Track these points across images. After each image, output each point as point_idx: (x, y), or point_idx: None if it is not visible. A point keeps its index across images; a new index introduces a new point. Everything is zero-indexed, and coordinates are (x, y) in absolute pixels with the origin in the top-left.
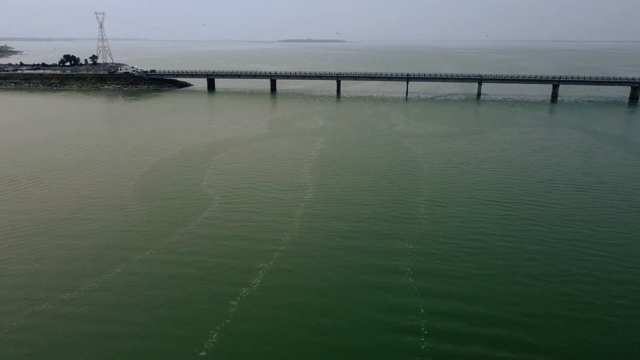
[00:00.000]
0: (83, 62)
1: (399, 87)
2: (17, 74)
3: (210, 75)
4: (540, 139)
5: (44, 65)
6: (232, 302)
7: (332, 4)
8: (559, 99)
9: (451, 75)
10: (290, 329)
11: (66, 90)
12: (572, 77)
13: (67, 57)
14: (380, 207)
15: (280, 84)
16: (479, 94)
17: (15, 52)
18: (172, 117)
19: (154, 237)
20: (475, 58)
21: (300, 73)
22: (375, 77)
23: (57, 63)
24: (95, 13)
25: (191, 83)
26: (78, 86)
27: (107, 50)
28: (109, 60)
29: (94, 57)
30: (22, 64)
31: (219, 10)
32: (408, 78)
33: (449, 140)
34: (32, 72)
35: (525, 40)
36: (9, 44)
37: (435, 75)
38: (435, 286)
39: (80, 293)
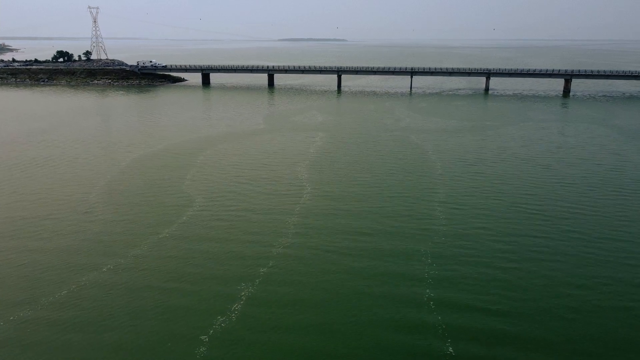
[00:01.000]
0: (77, 59)
1: (402, 82)
2: (3, 69)
3: (204, 69)
4: (561, 134)
5: (36, 61)
6: (211, 326)
7: (333, 3)
8: (571, 93)
9: (458, 70)
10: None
11: (54, 85)
12: (585, 71)
13: (61, 53)
14: (390, 213)
15: (279, 80)
16: (486, 89)
17: (11, 50)
18: (160, 113)
19: (118, 246)
20: (479, 55)
21: (299, 67)
22: (378, 72)
23: (50, 59)
24: (89, 8)
25: (185, 78)
26: (67, 81)
27: (101, 47)
28: (103, 57)
29: (87, 54)
30: (14, 60)
31: (220, 9)
32: (412, 72)
33: (461, 135)
34: (20, 67)
35: (528, 39)
36: (9, 42)
37: (441, 69)
38: (457, 300)
39: (35, 311)
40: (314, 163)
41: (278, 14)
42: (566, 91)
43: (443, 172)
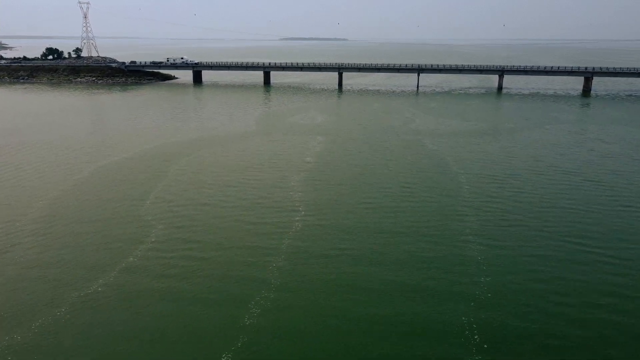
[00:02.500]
0: (66, 56)
1: (408, 81)
2: None
3: (195, 66)
4: (599, 140)
5: (25, 58)
6: None
7: (333, 3)
8: (592, 92)
9: (469, 67)
10: None
11: (33, 83)
12: (607, 69)
13: (50, 51)
14: (408, 257)
15: (276, 78)
16: (500, 87)
17: (5, 48)
18: (140, 113)
19: (20, 313)
20: (486, 54)
21: (298, 64)
22: (382, 69)
23: (39, 57)
24: (79, 3)
25: (176, 76)
26: (48, 79)
27: (92, 44)
28: (94, 54)
29: (77, 51)
30: (1, 58)
31: (221, 9)
32: (419, 70)
33: (482, 140)
34: (0, 64)
35: (535, 38)
36: (9, 42)
37: (450, 66)
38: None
39: None
40: (309, 178)
41: (278, 14)
42: (586, 90)
43: (471, 192)
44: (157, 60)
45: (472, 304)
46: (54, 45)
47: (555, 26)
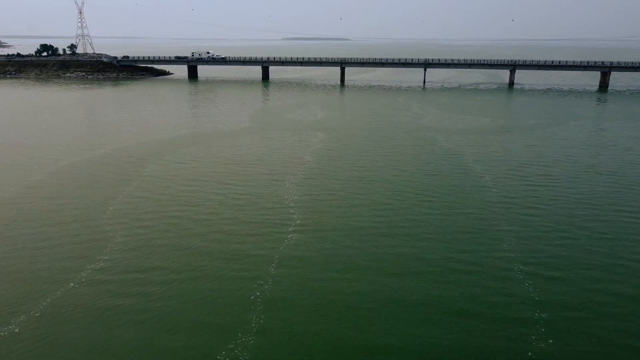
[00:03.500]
0: (61, 52)
1: (413, 77)
2: None
3: (191, 61)
4: (632, 137)
5: (18, 55)
6: None
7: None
8: (610, 88)
9: (478, 61)
10: None
11: (20, 78)
12: (625, 63)
13: (45, 47)
14: (436, 293)
15: (275, 74)
16: (511, 83)
17: (3, 46)
18: (125, 109)
19: None
20: (494, 53)
21: (298, 59)
22: (387, 64)
23: (34, 53)
24: None
25: (171, 72)
26: (36, 74)
27: (87, 40)
28: (89, 51)
29: (72, 47)
30: None
31: (221, 9)
32: (426, 64)
33: (504, 138)
34: None
35: (535, 38)
36: (8, 41)
37: (459, 61)
38: None
39: None
40: (306, 180)
41: (280, 14)
42: (603, 85)
43: (500, 198)
44: (182, 55)
45: (531, 337)
46: (53, 44)
47: (556, 26)
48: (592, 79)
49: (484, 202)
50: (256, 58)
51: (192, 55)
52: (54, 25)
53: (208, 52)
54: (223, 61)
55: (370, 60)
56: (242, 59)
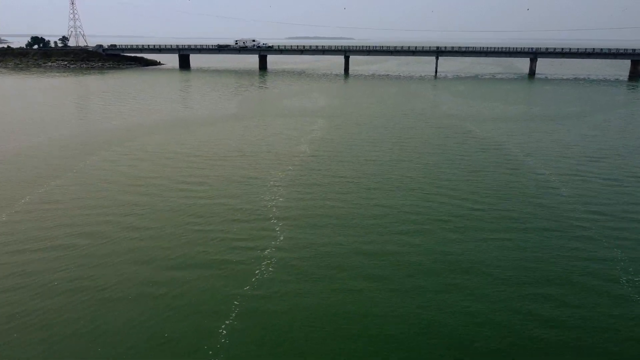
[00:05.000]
0: (53, 45)
1: (423, 67)
2: None
3: (183, 50)
4: None
5: (9, 48)
6: None
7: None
8: None
9: (495, 49)
10: None
11: None
12: None
13: (35, 40)
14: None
15: (273, 64)
16: (531, 72)
17: (1, 42)
18: (97, 96)
19: None
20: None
21: (298, 47)
22: (395, 52)
23: (24, 46)
24: None
25: (161, 62)
26: (15, 63)
27: (79, 31)
28: (81, 43)
29: (64, 39)
30: None
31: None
32: (438, 52)
33: (547, 126)
34: None
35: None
36: (9, 39)
37: (474, 48)
38: None
39: None
40: (299, 177)
41: (283, 13)
42: (634, 74)
43: (580, 205)
44: (223, 43)
45: None
46: (50, 40)
47: (557, 26)
48: (619, 68)
49: (558, 210)
50: (253, 46)
51: (236, 43)
52: (54, 25)
53: (253, 40)
54: (215, 50)
55: (376, 49)
56: (237, 46)
